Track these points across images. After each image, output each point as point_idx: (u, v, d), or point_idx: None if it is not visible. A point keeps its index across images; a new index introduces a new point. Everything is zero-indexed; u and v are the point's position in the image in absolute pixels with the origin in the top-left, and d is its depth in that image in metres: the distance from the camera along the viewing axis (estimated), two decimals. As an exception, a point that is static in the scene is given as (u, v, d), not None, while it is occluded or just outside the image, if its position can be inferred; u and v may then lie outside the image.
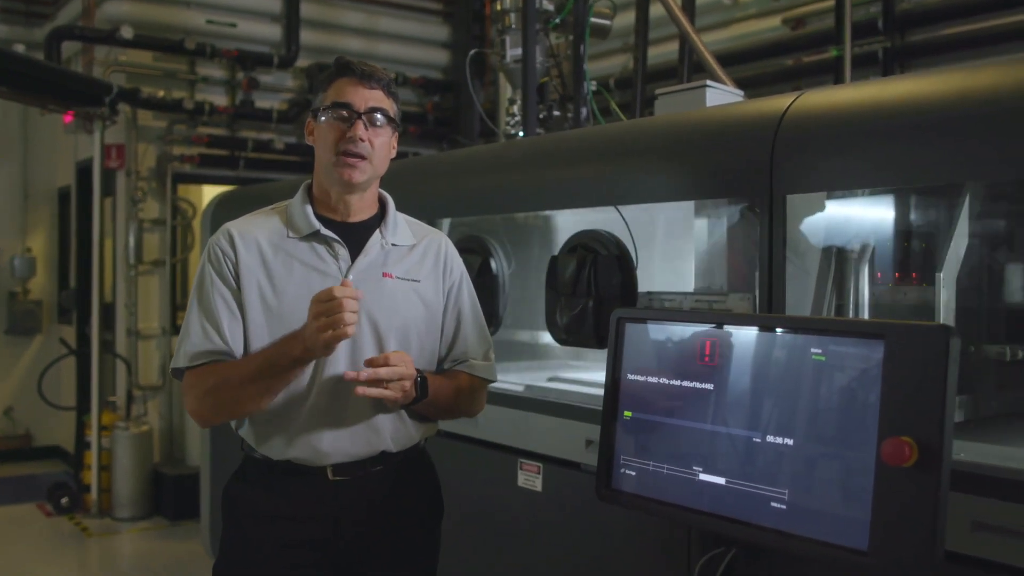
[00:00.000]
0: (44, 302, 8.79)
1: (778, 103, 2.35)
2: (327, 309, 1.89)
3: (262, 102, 7.38)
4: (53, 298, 8.70)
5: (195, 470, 6.35)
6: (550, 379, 3.27)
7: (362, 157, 2.09)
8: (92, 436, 6.74)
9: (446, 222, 3.60)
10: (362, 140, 2.07)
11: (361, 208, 2.19)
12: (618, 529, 2.64)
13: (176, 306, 7.21)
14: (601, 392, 2.90)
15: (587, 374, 3.28)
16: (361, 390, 1.99)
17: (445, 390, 2.18)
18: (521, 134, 3.98)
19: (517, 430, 3.00)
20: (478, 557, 3.11)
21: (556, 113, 4.13)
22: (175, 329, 7.12)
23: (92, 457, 6.72)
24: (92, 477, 6.72)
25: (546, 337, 3.77)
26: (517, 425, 3.00)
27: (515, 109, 4.19)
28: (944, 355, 1.58)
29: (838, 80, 5.00)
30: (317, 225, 2.14)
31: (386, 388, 2.00)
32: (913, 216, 2.60)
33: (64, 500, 6.73)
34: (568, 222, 3.53)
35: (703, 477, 1.95)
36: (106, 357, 6.95)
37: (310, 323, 1.92)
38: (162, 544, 6.20)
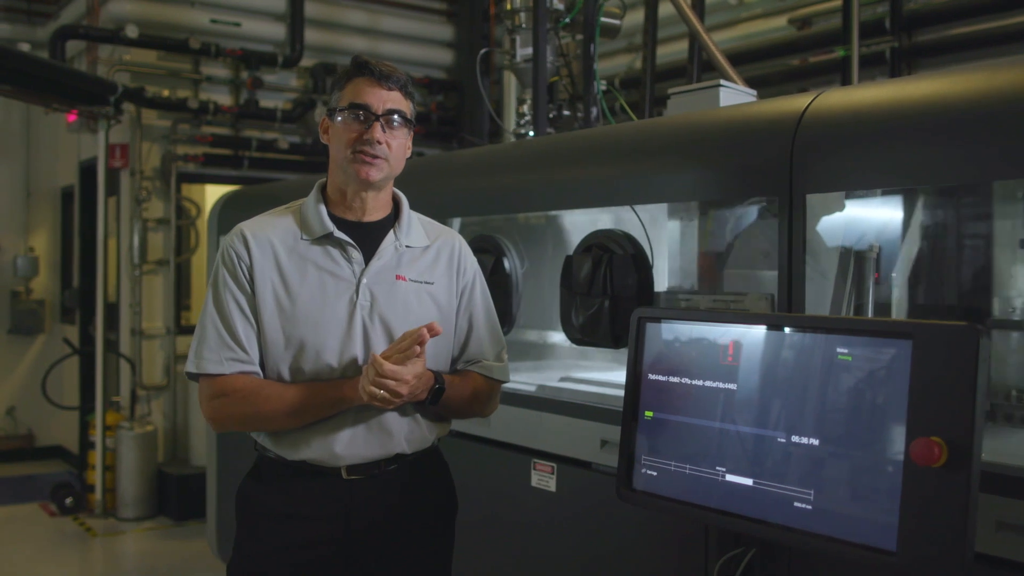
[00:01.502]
0: (47, 301, 8.77)
1: (797, 102, 2.35)
2: (384, 385, 1.95)
3: (266, 101, 7.38)
4: (56, 297, 8.69)
5: (199, 470, 6.35)
6: (562, 379, 3.26)
7: (380, 157, 2.08)
8: (96, 436, 6.73)
9: (456, 221, 3.59)
10: (379, 142, 2.06)
11: (376, 207, 2.18)
12: (633, 530, 2.64)
13: (180, 306, 7.20)
14: (613, 391, 2.92)
15: (599, 374, 3.27)
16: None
17: (461, 392, 2.18)
18: (531, 134, 3.98)
19: (530, 430, 3.00)
20: (492, 558, 3.10)
21: (566, 113, 4.13)
22: (179, 329, 7.12)
23: (96, 457, 6.71)
24: (96, 477, 6.71)
25: (554, 337, 3.77)
26: (530, 425, 2.99)
27: (525, 108, 4.19)
28: (973, 354, 1.58)
29: (845, 80, 5.00)
30: (331, 227, 2.12)
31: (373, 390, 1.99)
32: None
33: (68, 500, 6.72)
34: (577, 222, 3.53)
35: (726, 477, 1.94)
36: (110, 357, 6.94)
37: (365, 384, 1.97)
38: (167, 544, 6.19)
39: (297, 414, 2.06)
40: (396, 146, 2.11)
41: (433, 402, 2.09)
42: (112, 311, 7.05)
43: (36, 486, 7.48)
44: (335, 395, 2.04)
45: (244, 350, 2.08)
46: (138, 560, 6.07)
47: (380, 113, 2.07)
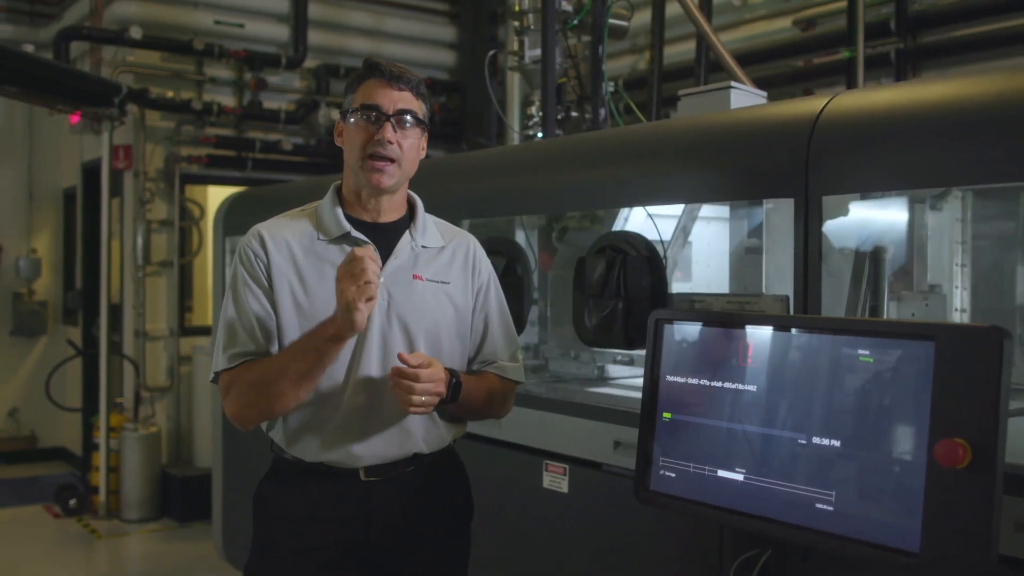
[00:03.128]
0: (49, 303, 8.77)
1: (812, 104, 2.35)
2: (348, 269, 1.90)
3: (270, 103, 7.38)
4: (58, 299, 8.68)
5: (203, 471, 6.35)
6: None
7: (390, 160, 2.08)
8: (100, 438, 6.72)
9: (466, 223, 3.59)
10: (390, 143, 2.06)
11: (391, 209, 2.19)
12: (647, 531, 2.64)
13: (184, 307, 7.20)
14: (626, 392, 2.92)
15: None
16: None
17: (477, 392, 2.18)
18: (539, 135, 3.98)
19: (542, 431, 2.99)
20: (504, 560, 3.10)
21: (573, 114, 4.13)
22: (183, 330, 7.12)
23: (100, 459, 6.70)
24: (100, 479, 6.71)
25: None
26: (542, 426, 2.99)
27: (533, 110, 4.19)
28: (997, 356, 1.58)
29: (850, 82, 5.01)
30: (347, 227, 2.13)
31: (417, 398, 2.00)
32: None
33: (72, 502, 6.72)
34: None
35: (746, 479, 1.94)
36: (113, 358, 6.93)
37: (336, 291, 1.93)
38: (171, 546, 6.19)
39: (290, 373, 1.99)
40: (408, 147, 2.10)
41: (453, 399, 2.08)
42: (115, 312, 7.04)
43: (39, 488, 7.47)
44: (319, 339, 1.97)
45: (261, 343, 2.07)
46: (142, 562, 6.07)
47: (391, 113, 2.07)
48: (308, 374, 2.00)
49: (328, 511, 2.12)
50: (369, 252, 1.93)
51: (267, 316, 2.08)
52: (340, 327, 1.93)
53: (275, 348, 2.08)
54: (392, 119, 2.07)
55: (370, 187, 2.10)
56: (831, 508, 1.79)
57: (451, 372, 2.09)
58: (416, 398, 1.98)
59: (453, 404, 2.11)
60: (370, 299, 1.91)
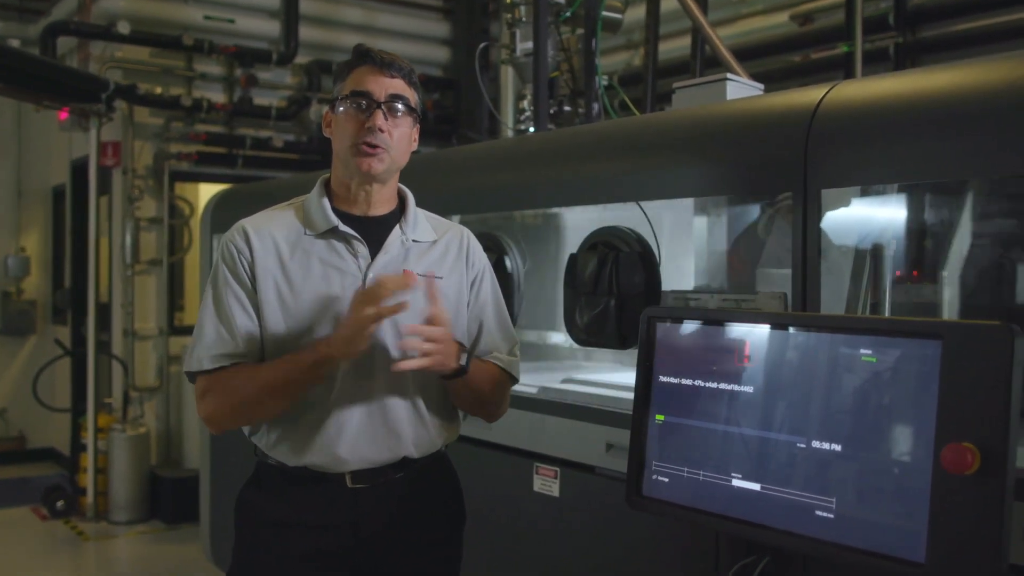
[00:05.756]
0: (38, 302, 8.67)
1: (810, 95, 2.27)
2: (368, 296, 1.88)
3: (260, 99, 7.28)
4: (47, 298, 8.59)
5: (193, 472, 6.26)
6: (564, 380, 3.18)
7: (381, 148, 2.00)
8: (88, 438, 6.63)
9: (456, 218, 3.51)
10: (381, 131, 1.99)
11: (381, 201, 2.11)
12: (640, 536, 2.56)
13: (173, 306, 7.11)
14: (619, 393, 2.84)
15: (603, 375, 3.19)
16: (404, 364, 1.93)
17: (483, 373, 2.12)
18: (531, 129, 3.90)
19: (533, 433, 2.92)
20: (494, 566, 3.02)
21: (566, 109, 4.05)
22: (172, 329, 7.03)
23: (88, 460, 6.61)
24: (88, 480, 6.61)
25: (556, 337, 3.70)
26: (533, 428, 2.92)
27: (525, 104, 4.11)
28: (1008, 356, 1.50)
29: (849, 77, 4.94)
30: (335, 221, 2.05)
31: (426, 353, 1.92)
32: (921, 214, 2.56)
33: (60, 503, 6.62)
34: (579, 219, 3.45)
35: (742, 484, 1.86)
36: (102, 358, 6.84)
37: (348, 315, 1.87)
38: (160, 548, 6.11)
39: (275, 389, 1.95)
40: (399, 135, 2.03)
41: (463, 372, 2.01)
42: (104, 311, 6.95)
43: (28, 489, 7.36)
44: (310, 358, 1.92)
45: (241, 346, 2.00)
46: (130, 564, 5.98)
47: (382, 100, 2.00)
48: (290, 392, 1.97)
49: (314, 518, 2.04)
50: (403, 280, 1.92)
51: (248, 318, 2.01)
52: (335, 347, 1.89)
53: (256, 351, 2.01)
54: (383, 106, 2.00)
55: (360, 175, 2.02)
56: (831, 515, 1.71)
57: (461, 345, 2.03)
58: (425, 345, 1.90)
59: (463, 377, 2.02)
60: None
